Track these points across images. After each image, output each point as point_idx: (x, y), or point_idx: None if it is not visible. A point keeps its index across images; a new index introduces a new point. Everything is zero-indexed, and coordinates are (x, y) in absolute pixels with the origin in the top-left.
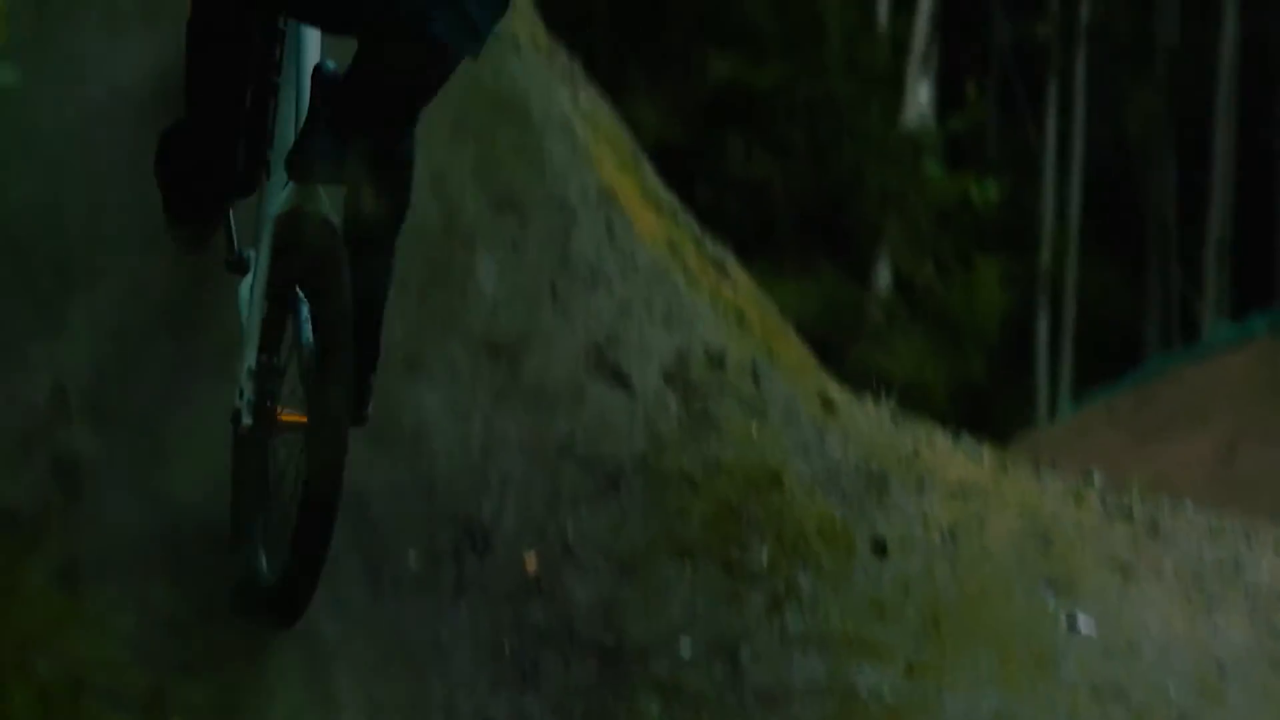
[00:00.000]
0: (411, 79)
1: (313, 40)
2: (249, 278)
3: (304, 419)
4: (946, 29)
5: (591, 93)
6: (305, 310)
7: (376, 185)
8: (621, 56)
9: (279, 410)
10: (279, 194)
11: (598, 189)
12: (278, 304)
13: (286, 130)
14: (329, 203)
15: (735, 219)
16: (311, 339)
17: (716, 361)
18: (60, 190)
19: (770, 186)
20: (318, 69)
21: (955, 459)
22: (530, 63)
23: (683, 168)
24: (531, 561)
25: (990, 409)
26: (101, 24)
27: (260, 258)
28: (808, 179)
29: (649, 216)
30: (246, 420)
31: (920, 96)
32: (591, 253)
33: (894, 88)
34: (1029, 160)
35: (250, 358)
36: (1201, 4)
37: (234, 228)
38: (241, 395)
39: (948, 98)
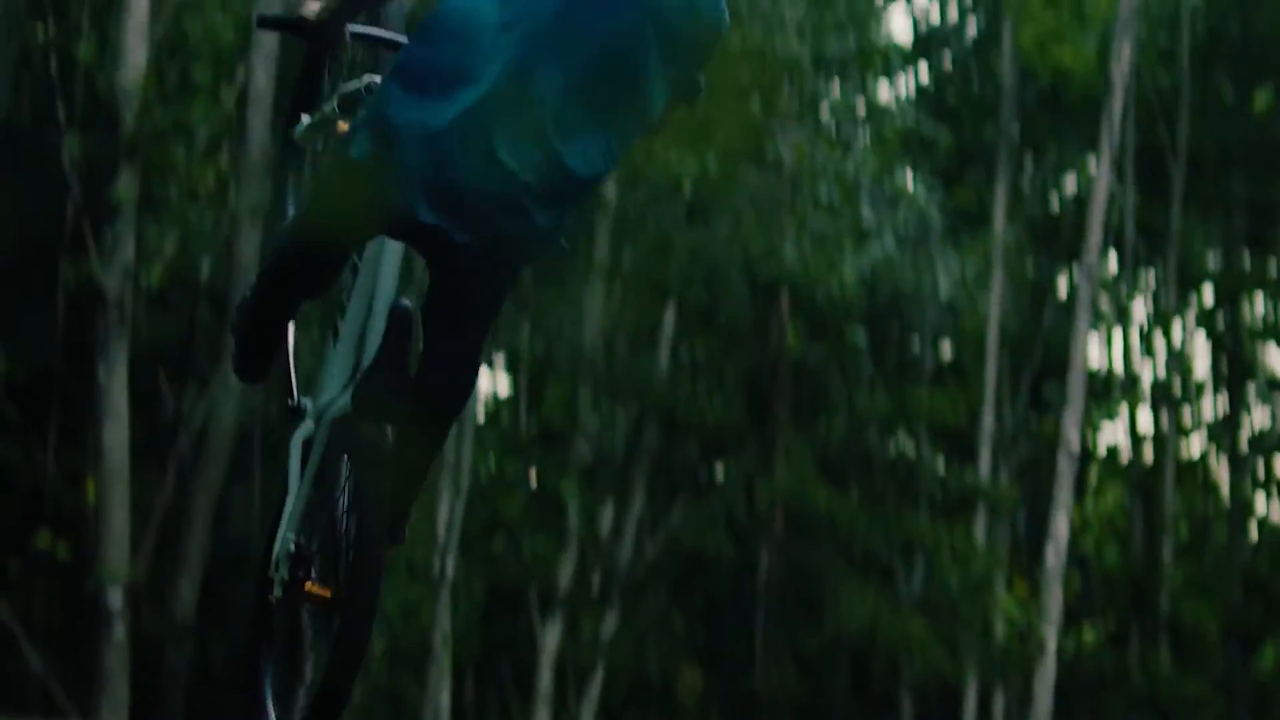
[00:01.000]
0: (484, 290)
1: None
2: (303, 428)
3: (329, 594)
4: None
5: None
6: (347, 512)
7: (446, 379)
8: None
9: (306, 584)
10: (340, 380)
11: None
12: (322, 494)
13: (358, 313)
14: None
15: None
16: (348, 535)
17: None
18: None
19: None
20: (394, 307)
21: None
22: None
23: None
24: None
25: None
26: None
27: (314, 452)
28: None
29: None
30: (277, 594)
31: None
32: None
33: None
34: None
35: (290, 539)
36: None
37: (294, 378)
38: (276, 569)
39: None
